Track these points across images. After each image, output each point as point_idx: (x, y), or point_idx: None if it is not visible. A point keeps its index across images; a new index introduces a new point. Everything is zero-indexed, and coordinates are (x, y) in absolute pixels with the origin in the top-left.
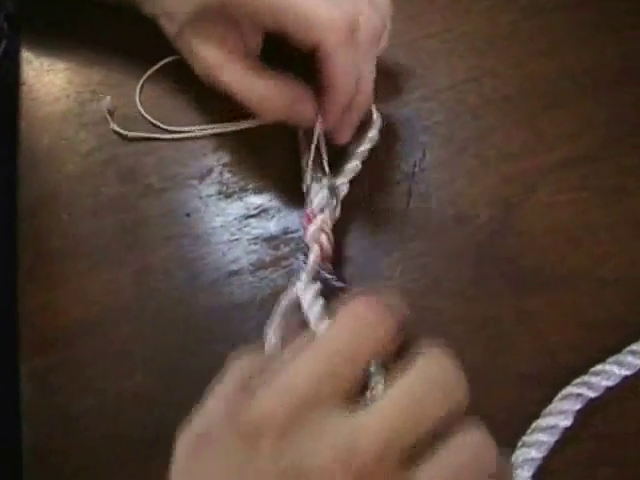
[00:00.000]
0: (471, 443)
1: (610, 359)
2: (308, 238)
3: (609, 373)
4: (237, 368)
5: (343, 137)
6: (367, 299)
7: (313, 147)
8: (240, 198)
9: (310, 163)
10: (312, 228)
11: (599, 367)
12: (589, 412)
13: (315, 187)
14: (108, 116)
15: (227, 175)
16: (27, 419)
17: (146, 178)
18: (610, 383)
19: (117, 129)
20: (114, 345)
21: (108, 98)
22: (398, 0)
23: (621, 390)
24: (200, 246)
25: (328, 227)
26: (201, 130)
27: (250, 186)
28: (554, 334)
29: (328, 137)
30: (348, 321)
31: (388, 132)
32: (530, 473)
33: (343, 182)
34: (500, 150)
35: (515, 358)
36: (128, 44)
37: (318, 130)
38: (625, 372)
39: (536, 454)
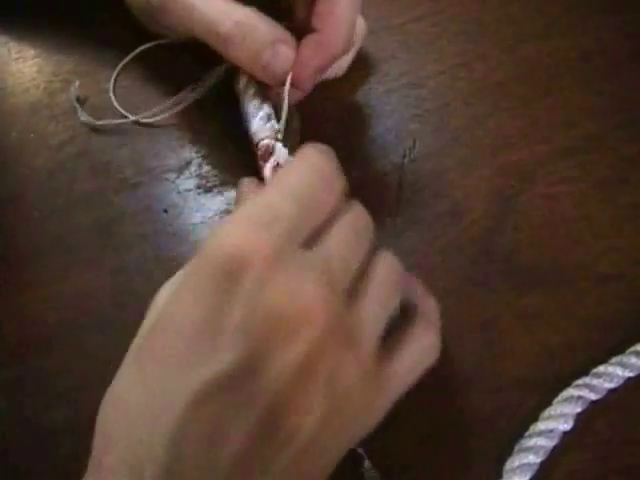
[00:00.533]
0: (386, 268)
1: (613, 360)
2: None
3: (612, 375)
4: None
5: (307, 86)
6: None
7: (285, 106)
8: (220, 192)
9: (282, 124)
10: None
11: (601, 368)
12: (592, 417)
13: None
14: (77, 104)
15: (206, 168)
16: None
17: (121, 172)
18: (613, 385)
19: (84, 118)
20: (89, 353)
21: (77, 83)
22: None
23: (625, 392)
24: (178, 244)
25: None
26: (167, 110)
27: (231, 180)
28: (554, 334)
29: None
30: (312, 174)
31: (375, 121)
32: (527, 478)
33: None
34: (494, 139)
35: (514, 360)
36: (101, 31)
37: (288, 85)
38: (628, 374)
39: (534, 459)
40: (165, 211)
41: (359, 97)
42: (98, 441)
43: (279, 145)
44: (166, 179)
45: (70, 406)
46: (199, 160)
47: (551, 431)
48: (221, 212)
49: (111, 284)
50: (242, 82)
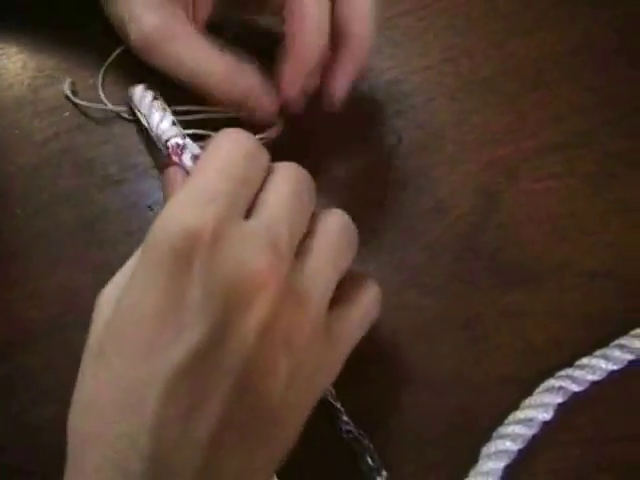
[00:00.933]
0: (335, 225)
1: (596, 352)
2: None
3: (595, 367)
4: None
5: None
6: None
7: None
8: None
9: None
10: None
11: (584, 360)
12: (575, 412)
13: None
14: (70, 95)
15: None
16: None
17: (105, 169)
18: (596, 377)
19: (86, 103)
20: (75, 350)
21: (68, 80)
22: None
23: (609, 387)
24: None
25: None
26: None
27: None
28: (539, 331)
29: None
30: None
31: (359, 117)
32: (503, 464)
33: None
34: (480, 135)
35: (499, 359)
36: (86, 26)
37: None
38: (612, 367)
39: (511, 446)
40: (150, 208)
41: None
42: (75, 444)
43: (189, 140)
44: (151, 175)
45: (57, 403)
46: None
47: (530, 420)
48: None
49: (96, 281)
50: (138, 90)
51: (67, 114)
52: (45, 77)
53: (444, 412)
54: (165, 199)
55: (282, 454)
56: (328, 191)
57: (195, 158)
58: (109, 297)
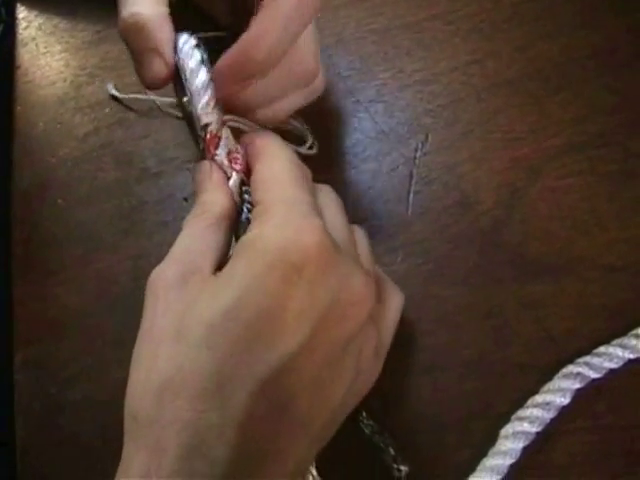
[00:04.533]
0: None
1: (614, 341)
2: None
3: (612, 355)
4: None
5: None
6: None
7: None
8: None
9: None
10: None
11: (602, 349)
12: (594, 402)
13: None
14: (116, 92)
15: None
16: (20, 408)
17: (143, 162)
18: (613, 365)
19: (129, 96)
20: (107, 334)
21: (110, 84)
22: None
23: (627, 376)
24: None
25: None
26: None
27: None
28: (558, 322)
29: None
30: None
31: (389, 115)
32: (521, 445)
33: None
34: (505, 134)
35: (520, 348)
36: None
37: None
38: (629, 355)
39: (529, 428)
40: (185, 199)
41: (372, 92)
42: (141, 426)
43: (226, 132)
44: (187, 169)
45: (88, 384)
46: None
47: (548, 404)
48: None
49: (130, 269)
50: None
51: (107, 110)
52: (87, 75)
53: (464, 397)
54: (195, 191)
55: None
56: (353, 185)
57: (229, 154)
58: (167, 282)
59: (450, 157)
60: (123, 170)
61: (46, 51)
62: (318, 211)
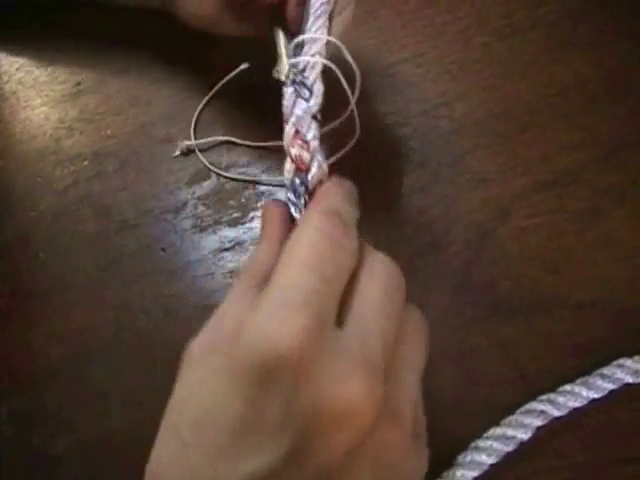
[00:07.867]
0: (416, 328)
1: (578, 380)
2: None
3: (576, 395)
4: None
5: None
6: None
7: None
8: (214, 232)
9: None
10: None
11: (567, 387)
12: (564, 441)
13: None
14: (197, 151)
15: (201, 208)
16: (6, 460)
17: (120, 214)
18: (577, 404)
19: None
20: (91, 386)
21: (185, 142)
22: (370, 26)
23: (596, 416)
24: (176, 281)
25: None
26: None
27: (224, 219)
28: (530, 361)
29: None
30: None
31: (361, 160)
32: (474, 474)
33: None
34: (474, 175)
35: (493, 389)
36: (101, 80)
37: None
38: (593, 395)
39: (486, 459)
40: (163, 250)
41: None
42: None
43: (318, 156)
44: (164, 219)
45: (72, 435)
46: (194, 201)
47: (508, 438)
48: (215, 250)
49: (111, 320)
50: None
51: (86, 163)
52: (66, 128)
53: (436, 439)
54: (260, 236)
55: None
56: None
57: (313, 182)
58: (201, 352)
59: (421, 200)
60: (102, 222)
61: (26, 105)
62: (323, 299)
